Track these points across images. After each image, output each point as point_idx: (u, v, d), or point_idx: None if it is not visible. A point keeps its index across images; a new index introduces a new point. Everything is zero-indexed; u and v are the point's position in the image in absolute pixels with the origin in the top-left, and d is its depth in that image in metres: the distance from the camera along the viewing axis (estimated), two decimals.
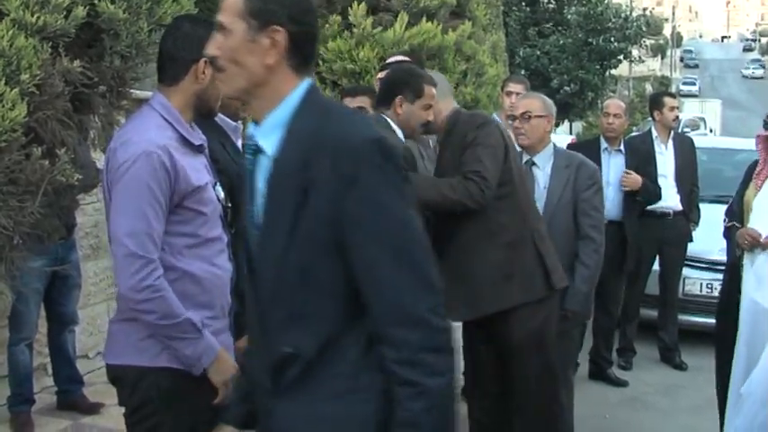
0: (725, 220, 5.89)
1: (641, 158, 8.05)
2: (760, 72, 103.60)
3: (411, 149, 5.44)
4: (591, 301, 5.75)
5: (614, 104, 8.05)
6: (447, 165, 4.88)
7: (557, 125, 38.53)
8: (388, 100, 4.80)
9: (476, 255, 4.82)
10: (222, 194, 3.52)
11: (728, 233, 5.80)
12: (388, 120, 4.77)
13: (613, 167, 7.81)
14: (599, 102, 37.77)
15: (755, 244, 5.29)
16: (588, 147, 7.91)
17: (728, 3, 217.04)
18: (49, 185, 3.60)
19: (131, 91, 4.17)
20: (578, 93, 34.04)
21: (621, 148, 7.87)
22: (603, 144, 7.89)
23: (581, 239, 5.57)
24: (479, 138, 4.77)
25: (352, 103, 5.69)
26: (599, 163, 7.37)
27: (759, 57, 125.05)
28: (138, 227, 3.10)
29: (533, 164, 5.66)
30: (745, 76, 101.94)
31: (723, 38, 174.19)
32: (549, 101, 5.77)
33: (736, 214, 5.75)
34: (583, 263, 5.50)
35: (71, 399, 6.43)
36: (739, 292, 5.31)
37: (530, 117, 5.54)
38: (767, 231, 5.25)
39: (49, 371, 6.57)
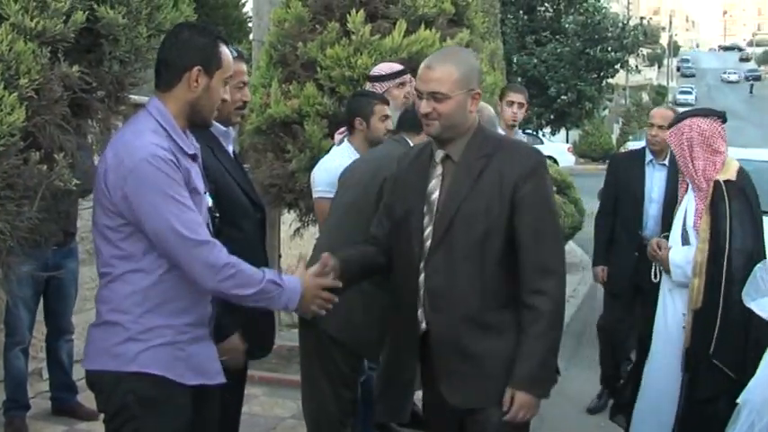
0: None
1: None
2: (734, 77, 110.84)
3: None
4: None
5: (659, 114, 7.23)
6: None
7: (553, 133, 38.63)
8: (419, 127, 4.58)
9: None
10: (210, 202, 3.52)
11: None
12: (412, 144, 4.78)
13: (657, 182, 7.19)
14: (595, 111, 37.87)
15: (653, 255, 5.40)
16: (631, 159, 7.61)
17: (725, 12, 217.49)
18: (47, 190, 3.59)
19: (130, 96, 4.17)
20: (575, 102, 34.06)
21: (666, 161, 7.08)
22: (648, 156, 7.26)
23: None
24: None
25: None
26: (642, 176, 7.19)
27: (755, 66, 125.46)
28: (177, 217, 3.13)
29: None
30: (722, 80, 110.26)
31: (720, 47, 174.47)
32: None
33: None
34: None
35: (66, 406, 6.43)
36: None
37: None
38: (672, 245, 5.28)
39: (44, 376, 6.57)
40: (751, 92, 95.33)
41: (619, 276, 7.28)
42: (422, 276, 3.78)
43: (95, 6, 3.69)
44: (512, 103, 7.42)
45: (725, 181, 5.03)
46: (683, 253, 5.16)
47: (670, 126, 5.41)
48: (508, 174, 3.67)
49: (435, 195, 3.79)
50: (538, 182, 3.71)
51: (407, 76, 5.83)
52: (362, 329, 4.67)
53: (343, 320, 4.56)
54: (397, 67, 5.90)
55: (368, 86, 5.92)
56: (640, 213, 7.19)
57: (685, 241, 5.21)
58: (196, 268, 3.16)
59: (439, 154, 3.82)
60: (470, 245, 3.68)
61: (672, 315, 5.20)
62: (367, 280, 4.36)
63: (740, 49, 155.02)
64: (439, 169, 3.82)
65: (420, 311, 3.82)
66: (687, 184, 5.29)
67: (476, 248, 3.68)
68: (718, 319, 4.87)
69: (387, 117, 5.39)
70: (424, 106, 3.72)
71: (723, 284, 4.88)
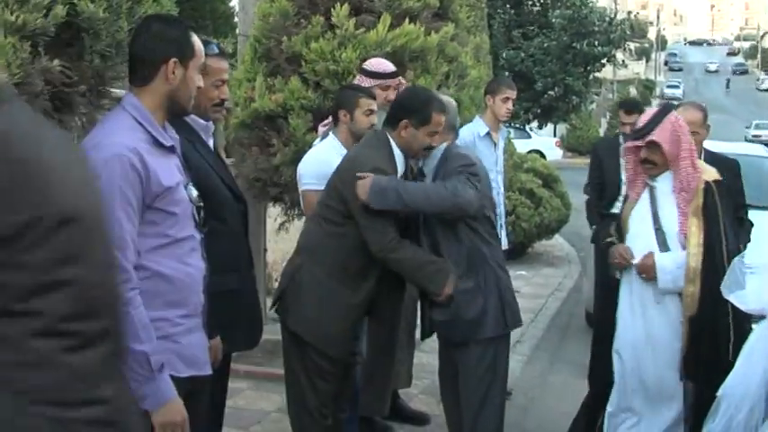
0: (604, 239, 5.49)
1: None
2: (714, 67, 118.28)
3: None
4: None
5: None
6: None
7: (540, 127, 38.62)
8: (394, 121, 4.89)
9: None
10: (195, 194, 3.51)
11: (603, 249, 5.51)
12: (390, 139, 4.88)
13: None
14: (582, 105, 37.86)
15: (624, 264, 5.09)
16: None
17: (713, 7, 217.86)
18: None
19: (112, 90, 4.17)
20: (562, 96, 34.06)
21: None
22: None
23: None
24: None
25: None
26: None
27: (743, 60, 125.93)
28: (120, 231, 3.09)
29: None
30: (707, 71, 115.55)
31: (707, 42, 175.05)
32: None
33: (620, 228, 5.35)
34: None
35: None
36: (615, 312, 5.22)
37: None
38: (642, 251, 5.01)
39: None
40: (727, 86, 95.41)
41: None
42: None
43: (76, 1, 3.69)
44: (507, 100, 7.43)
45: (714, 181, 4.95)
46: (670, 258, 4.94)
47: (655, 118, 5.10)
48: None
49: None
50: None
51: (395, 81, 5.86)
52: (317, 324, 4.76)
53: (298, 315, 4.79)
54: (389, 69, 5.91)
55: (357, 78, 5.96)
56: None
57: (663, 246, 5.00)
58: None
59: None
60: None
61: (658, 325, 5.00)
62: (330, 276, 4.74)
63: (709, 44, 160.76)
64: None
65: None
66: (643, 182, 5.13)
67: None
68: (731, 328, 4.76)
69: (372, 111, 5.42)
70: None
71: None
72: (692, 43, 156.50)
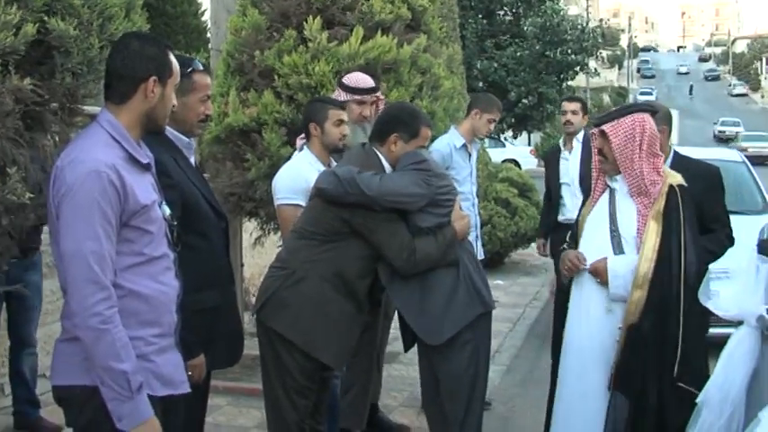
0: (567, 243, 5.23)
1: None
2: (684, 69, 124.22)
3: None
4: None
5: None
6: None
7: (515, 137, 38.73)
8: (383, 136, 4.93)
9: None
10: (168, 212, 3.49)
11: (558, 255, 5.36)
12: (379, 153, 4.91)
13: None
14: (556, 113, 37.99)
15: (575, 270, 4.87)
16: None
17: (684, 13, 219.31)
18: (0, 204, 3.57)
19: (84, 108, 4.14)
20: (536, 105, 34.18)
21: None
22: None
23: None
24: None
25: None
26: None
27: (714, 66, 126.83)
28: (92, 247, 3.08)
29: None
30: (679, 73, 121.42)
31: (679, 48, 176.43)
32: None
33: (575, 234, 5.16)
34: None
35: (28, 420, 6.37)
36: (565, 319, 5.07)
37: None
38: (596, 255, 4.80)
39: (6, 391, 6.51)
40: (690, 93, 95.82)
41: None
42: None
43: (46, 18, 3.67)
44: (492, 121, 7.51)
45: (678, 186, 4.77)
46: (623, 262, 4.73)
47: (619, 110, 4.97)
48: None
49: None
50: None
51: (372, 97, 5.87)
52: (311, 330, 4.72)
53: (291, 318, 4.72)
54: (367, 84, 5.92)
55: (335, 91, 5.99)
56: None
57: (618, 249, 4.78)
58: (74, 297, 3.11)
59: None
60: None
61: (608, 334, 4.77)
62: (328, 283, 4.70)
63: (655, 50, 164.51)
64: None
65: None
66: (604, 184, 4.96)
67: None
68: (680, 339, 4.56)
69: (342, 121, 5.42)
70: None
71: (682, 299, 4.56)
72: (644, 50, 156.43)
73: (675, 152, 5.68)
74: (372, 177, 4.67)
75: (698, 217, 4.89)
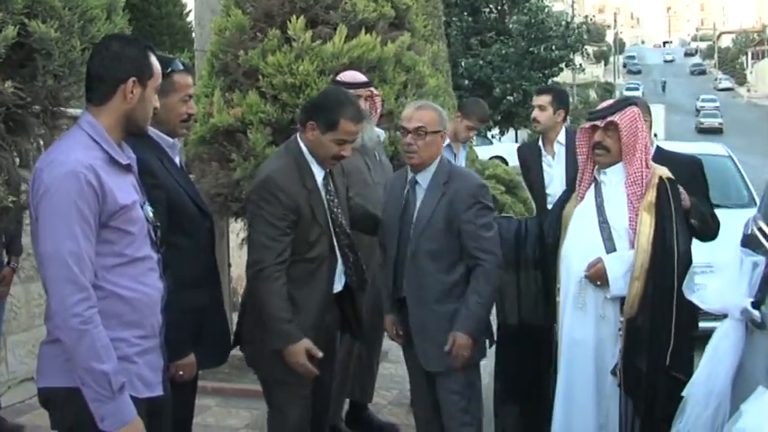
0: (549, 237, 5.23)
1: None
2: (669, 57, 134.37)
3: (357, 162, 5.51)
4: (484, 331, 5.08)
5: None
6: None
7: (502, 133, 38.72)
8: (302, 121, 4.67)
9: None
10: (151, 214, 3.49)
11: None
12: (300, 142, 4.64)
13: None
14: None
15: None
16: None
17: (669, 9, 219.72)
18: None
19: (67, 110, 4.13)
20: (521, 101, 34.20)
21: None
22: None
23: (471, 266, 4.80)
24: None
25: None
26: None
27: (700, 61, 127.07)
28: (70, 248, 3.08)
29: (416, 183, 4.93)
30: (666, 61, 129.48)
31: (665, 43, 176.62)
32: (443, 112, 5.08)
33: (554, 227, 5.18)
34: (474, 290, 4.76)
35: None
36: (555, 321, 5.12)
37: (425, 133, 4.79)
38: (585, 248, 4.85)
39: None
40: (663, 90, 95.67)
41: None
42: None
43: (26, 20, 3.66)
44: (472, 129, 7.58)
45: (668, 178, 4.86)
46: (618, 261, 4.78)
47: (617, 103, 5.03)
48: None
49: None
50: None
51: (366, 91, 5.91)
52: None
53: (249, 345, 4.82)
54: (359, 79, 5.97)
55: None
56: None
57: (609, 241, 4.83)
58: (54, 298, 3.12)
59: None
60: None
61: (594, 330, 4.87)
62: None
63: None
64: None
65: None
66: (591, 178, 5.01)
67: None
68: (673, 328, 4.67)
69: None
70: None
71: (675, 290, 4.62)
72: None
73: (658, 146, 5.74)
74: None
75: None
